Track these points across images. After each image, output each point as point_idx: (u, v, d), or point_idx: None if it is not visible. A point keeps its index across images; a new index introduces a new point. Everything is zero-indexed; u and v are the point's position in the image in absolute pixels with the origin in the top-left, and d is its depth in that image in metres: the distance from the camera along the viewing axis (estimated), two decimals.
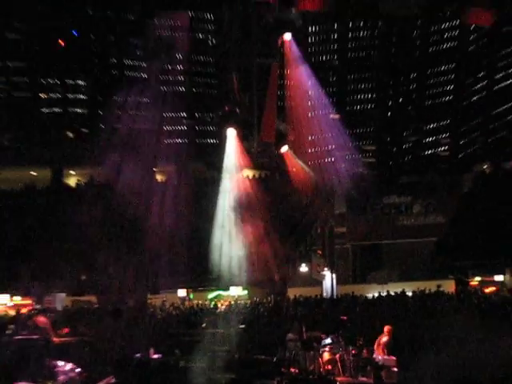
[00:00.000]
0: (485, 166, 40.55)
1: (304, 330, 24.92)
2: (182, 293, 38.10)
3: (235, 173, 31.76)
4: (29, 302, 36.92)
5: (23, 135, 36.66)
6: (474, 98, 31.77)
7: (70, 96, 29.68)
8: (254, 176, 32.24)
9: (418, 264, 38.00)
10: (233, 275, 33.86)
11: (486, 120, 32.04)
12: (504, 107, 32.00)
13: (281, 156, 31.72)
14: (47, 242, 32.40)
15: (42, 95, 29.26)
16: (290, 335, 24.30)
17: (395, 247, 39.73)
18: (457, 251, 37.85)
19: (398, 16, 28.23)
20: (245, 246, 32.66)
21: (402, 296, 34.01)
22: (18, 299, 37.81)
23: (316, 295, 35.15)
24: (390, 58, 32.08)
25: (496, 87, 31.26)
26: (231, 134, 30.76)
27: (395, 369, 21.38)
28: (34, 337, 23.66)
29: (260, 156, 31.90)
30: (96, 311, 32.99)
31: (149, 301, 35.95)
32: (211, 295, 36.88)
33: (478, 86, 31.71)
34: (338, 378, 21.07)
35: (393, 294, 34.76)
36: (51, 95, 29.43)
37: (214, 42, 30.77)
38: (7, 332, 25.86)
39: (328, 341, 23.43)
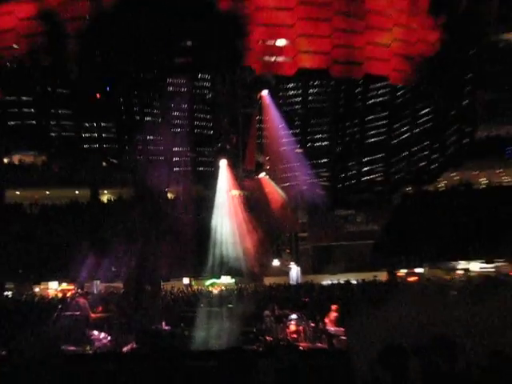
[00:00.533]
0: (408, 189, 41.17)
1: (276, 308, 25.66)
2: (186, 280, 38.66)
3: (226, 192, 32.26)
4: (72, 287, 37.29)
5: (69, 164, 37.05)
6: (401, 138, 32.38)
7: (104, 135, 30.14)
8: (239, 195, 32.75)
9: (360, 260, 38.49)
10: (224, 267, 34.40)
11: (409, 154, 32.69)
12: (423, 144, 32.65)
13: (259, 180, 32.27)
14: (87, 244, 32.82)
15: (84, 135, 29.76)
16: (266, 312, 25.15)
17: (343, 247, 40.32)
18: (388, 250, 38.48)
19: (346, 77, 28.87)
20: (233, 245, 33.15)
21: (347, 283, 34.71)
22: (64, 285, 38.23)
23: (285, 283, 35.79)
24: (340, 107, 32.62)
25: (417, 130, 31.96)
26: (223, 163, 31.19)
27: (343, 337, 22.20)
28: (76, 313, 24.41)
29: (244, 180, 32.43)
30: (121, 294, 33.55)
31: (162, 286, 36.47)
32: (208, 282, 37.24)
33: (404, 128, 32.34)
34: (301, 344, 21.90)
35: (341, 282, 35.43)
36: (91, 134, 29.89)
37: (210, 96, 31.35)
38: (57, 310, 26.57)
39: (294, 316, 24.24)
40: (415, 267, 40.07)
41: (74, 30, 25.72)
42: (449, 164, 37.04)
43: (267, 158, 32.17)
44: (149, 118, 30.86)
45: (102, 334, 24.16)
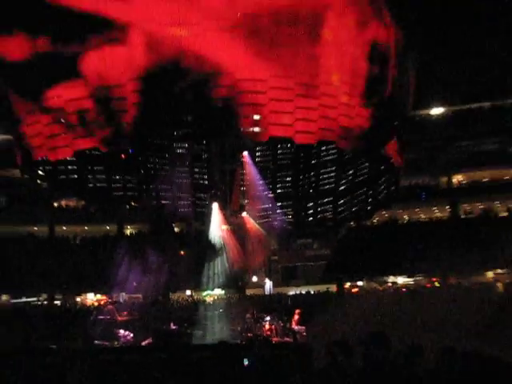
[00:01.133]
0: (351, 223, 41.22)
1: (255, 312, 25.39)
2: (188, 292, 38.31)
3: (218, 226, 32.25)
4: (104, 297, 36.98)
5: (102, 206, 36.92)
6: (345, 186, 32.64)
7: (127, 185, 30.26)
8: (227, 228, 32.75)
9: (316, 276, 38.38)
10: (216, 282, 34.27)
11: (351, 198, 32.90)
12: (362, 191, 32.90)
13: (242, 218, 32.24)
14: (115, 265, 32.62)
15: (113, 185, 29.90)
16: (248, 315, 24.86)
17: (304, 267, 40.19)
18: (336, 268, 38.44)
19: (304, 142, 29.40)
20: (224, 265, 33.11)
21: (307, 293, 34.53)
22: (98, 296, 37.90)
23: (261, 294, 35.59)
24: (300, 163, 32.83)
25: (356, 180, 32.25)
26: (215, 206, 31.30)
27: (304, 333, 22.00)
28: (107, 317, 24.11)
29: (231, 217, 32.41)
30: (141, 303, 33.18)
31: (171, 297, 36.24)
32: (204, 293, 36.95)
33: (347, 179, 32.61)
34: (273, 339, 21.66)
35: (303, 292, 35.27)
36: (117, 185, 29.99)
37: (205, 156, 31.49)
38: (93, 315, 26.26)
39: (268, 318, 23.99)
40: (356, 281, 40.06)
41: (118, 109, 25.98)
42: (380, 205, 37.25)
43: (247, 201, 32.21)
44: (161, 173, 30.79)
45: (126, 333, 23.98)
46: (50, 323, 27.64)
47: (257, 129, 27.77)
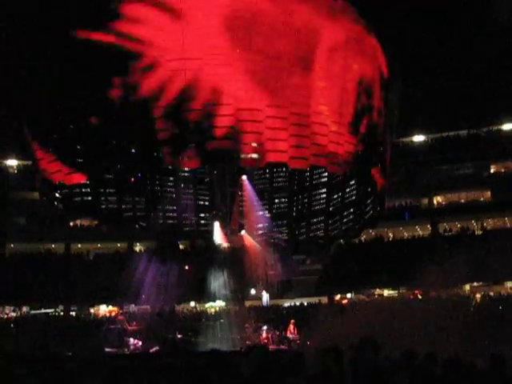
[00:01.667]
0: (341, 241, 41.10)
1: (253, 322, 25.23)
2: (192, 303, 38.10)
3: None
4: (115, 308, 36.76)
5: (113, 225, 36.78)
6: (335, 207, 32.71)
7: (136, 206, 30.23)
8: (228, 246, 32.80)
9: (309, 289, 38.20)
10: (218, 295, 34.10)
11: (341, 217, 33.05)
12: (350, 211, 33.00)
13: (241, 236, 32.20)
14: (124, 279, 32.51)
15: (123, 206, 29.88)
16: (247, 325, 24.74)
17: (298, 280, 39.80)
18: (327, 282, 38.31)
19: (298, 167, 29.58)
20: (224, 280, 33.05)
21: (301, 305, 34.34)
22: (110, 307, 37.68)
23: (259, 305, 35.40)
24: (294, 186, 32.95)
25: (345, 201, 32.39)
26: (217, 224, 31.31)
27: (298, 341, 21.87)
28: (118, 326, 23.95)
29: (231, 236, 32.42)
30: (149, 314, 32.93)
31: (176, 308, 36.01)
32: (207, 305, 36.77)
33: (337, 200, 32.63)
34: (270, 346, 21.52)
35: (297, 304, 35.10)
36: (127, 206, 29.99)
37: (208, 179, 31.63)
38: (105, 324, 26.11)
39: (265, 327, 23.94)
40: (346, 293, 39.90)
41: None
42: (367, 224, 37.18)
43: (246, 220, 32.16)
44: (167, 195, 30.83)
45: (136, 341, 23.94)
46: (65, 332, 27.52)
47: (255, 155, 27.83)
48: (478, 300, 33.11)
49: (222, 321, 27.94)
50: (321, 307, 33.28)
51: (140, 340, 24.03)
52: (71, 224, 46.89)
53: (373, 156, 31.15)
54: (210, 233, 32.32)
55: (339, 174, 30.65)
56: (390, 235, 47.79)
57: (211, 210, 31.98)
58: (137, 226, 33.19)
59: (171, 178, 30.97)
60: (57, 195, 30.49)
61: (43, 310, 36.52)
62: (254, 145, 27.08)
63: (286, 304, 36.79)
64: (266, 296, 36.12)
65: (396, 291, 40.63)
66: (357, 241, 44.49)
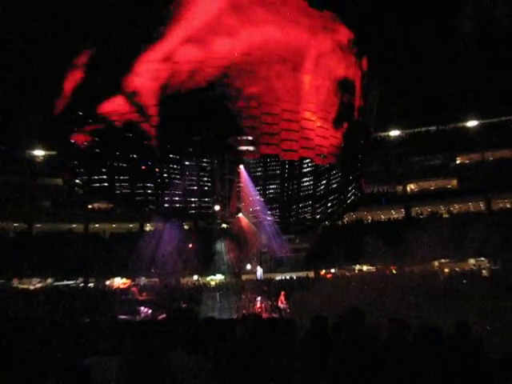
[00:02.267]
0: (326, 222, 41.09)
1: (248, 293, 25.20)
2: (195, 277, 38.06)
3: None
4: (128, 281, 36.77)
5: (127, 207, 36.70)
6: (321, 192, 32.77)
7: (148, 191, 30.13)
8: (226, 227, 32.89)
9: (298, 264, 38.11)
10: (218, 269, 34.13)
11: (326, 201, 33.05)
12: (334, 196, 33.09)
13: (238, 218, 32.16)
14: (136, 255, 32.47)
15: (136, 191, 29.84)
16: (243, 296, 24.67)
17: (288, 257, 39.34)
18: (314, 259, 38.27)
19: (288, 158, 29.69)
20: (224, 257, 33.04)
21: (291, 278, 34.32)
22: (124, 280, 37.68)
23: (254, 278, 35.39)
24: (285, 173, 32.88)
25: (330, 187, 32.39)
26: (217, 207, 31.31)
27: (288, 310, 21.81)
28: (129, 297, 23.84)
29: (229, 218, 32.41)
30: (158, 286, 32.88)
31: (181, 280, 36.01)
32: (208, 278, 36.74)
33: (322, 187, 32.56)
34: (263, 315, 21.51)
35: (287, 277, 35.09)
36: (139, 191, 30.08)
37: (210, 168, 31.44)
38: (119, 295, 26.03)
39: (259, 298, 23.82)
40: (330, 268, 39.87)
41: None
42: (349, 208, 37.26)
43: (243, 204, 32.14)
44: (174, 181, 30.74)
45: (146, 309, 23.94)
46: (85, 302, 27.50)
47: (251, 148, 27.90)
48: (446, 274, 33.27)
49: (220, 293, 27.93)
50: (308, 280, 33.32)
51: (150, 308, 24.05)
52: (89, 207, 46.85)
53: (354, 148, 31.22)
54: (212, 215, 32.35)
55: (324, 164, 30.72)
56: (369, 218, 47.79)
57: (212, 195, 31.94)
58: (147, 208, 33.16)
59: (178, 167, 30.92)
60: (77, 181, 30.57)
61: (65, 282, 36.47)
62: (251, 139, 27.18)
63: (278, 278, 36.73)
64: (260, 270, 36.06)
65: (374, 267, 40.65)
66: (340, 223, 44.53)
